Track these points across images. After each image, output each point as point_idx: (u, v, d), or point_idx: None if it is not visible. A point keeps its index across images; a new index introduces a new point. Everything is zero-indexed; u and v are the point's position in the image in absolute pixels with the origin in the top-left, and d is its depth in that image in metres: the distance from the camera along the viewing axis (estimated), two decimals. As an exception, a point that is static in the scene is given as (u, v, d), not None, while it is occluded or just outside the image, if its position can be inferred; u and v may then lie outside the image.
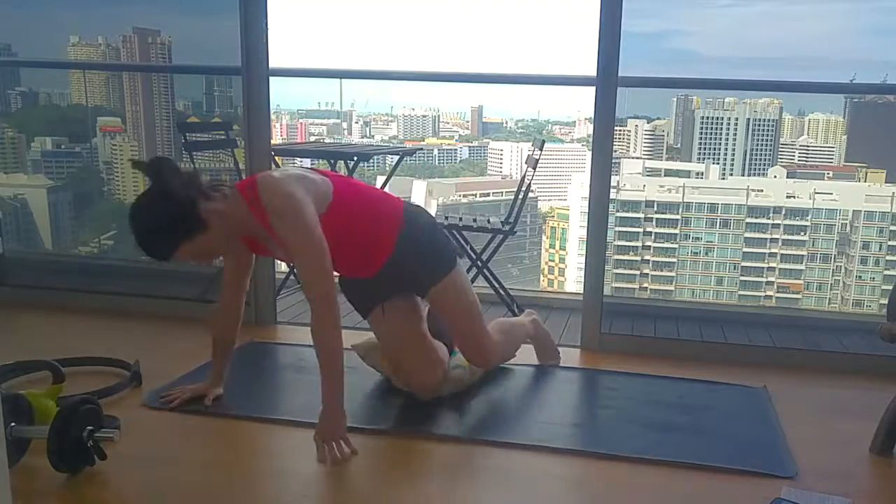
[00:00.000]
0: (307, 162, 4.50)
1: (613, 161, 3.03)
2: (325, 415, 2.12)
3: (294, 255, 2.16)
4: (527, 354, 2.89)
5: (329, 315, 2.10)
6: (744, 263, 6.93)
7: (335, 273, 2.22)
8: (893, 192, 6.66)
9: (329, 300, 2.10)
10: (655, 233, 6.92)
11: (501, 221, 3.64)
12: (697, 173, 7.34)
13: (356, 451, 2.09)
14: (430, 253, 2.42)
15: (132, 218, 2.10)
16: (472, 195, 8.69)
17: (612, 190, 3.04)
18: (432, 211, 6.18)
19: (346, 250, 2.29)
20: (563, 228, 8.81)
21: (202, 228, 2.08)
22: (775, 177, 7.18)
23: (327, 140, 7.12)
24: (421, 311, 2.50)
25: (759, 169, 7.28)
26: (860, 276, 6.62)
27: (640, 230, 6.91)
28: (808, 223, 6.79)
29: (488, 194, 8.77)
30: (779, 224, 6.84)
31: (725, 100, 7.25)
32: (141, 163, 2.13)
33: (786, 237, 6.80)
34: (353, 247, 2.32)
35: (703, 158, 7.20)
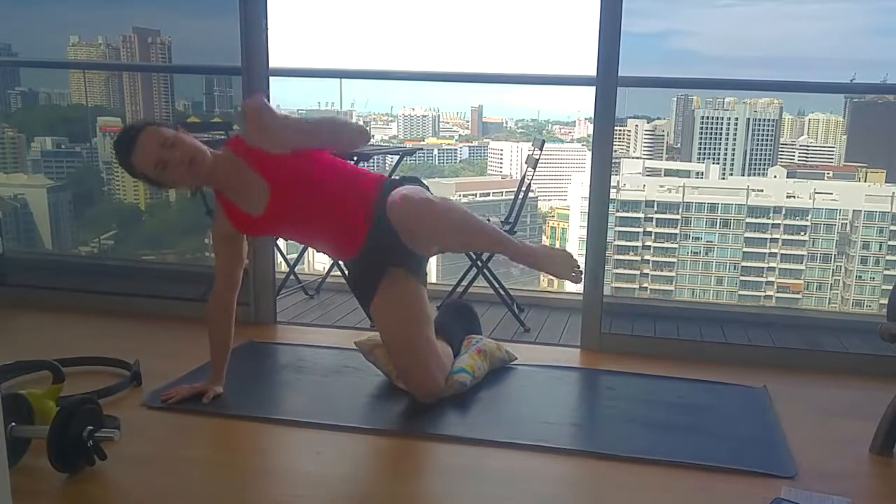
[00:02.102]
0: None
1: (613, 161, 3.02)
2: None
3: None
4: (527, 354, 2.90)
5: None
6: (744, 263, 6.92)
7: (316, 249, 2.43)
8: (893, 192, 6.66)
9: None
10: (655, 233, 6.92)
11: (501, 221, 3.64)
12: (697, 173, 7.34)
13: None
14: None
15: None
16: (472, 195, 8.68)
17: (612, 190, 3.04)
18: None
19: (330, 222, 2.34)
20: (563, 228, 8.81)
21: (173, 128, 2.24)
22: (775, 177, 7.17)
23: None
24: (427, 312, 2.46)
25: (759, 169, 7.27)
26: (860, 276, 6.61)
27: (640, 230, 6.90)
28: (808, 223, 6.78)
29: (488, 194, 8.76)
30: (779, 224, 6.84)
31: (725, 100, 7.25)
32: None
33: (786, 237, 6.80)
34: (340, 204, 2.34)
35: (703, 158, 7.20)
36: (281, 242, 3.77)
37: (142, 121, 2.29)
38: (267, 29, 3.16)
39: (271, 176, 2.30)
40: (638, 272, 6.92)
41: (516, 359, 2.81)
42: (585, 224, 3.06)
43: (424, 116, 9.37)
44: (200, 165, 2.25)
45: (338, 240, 2.42)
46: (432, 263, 4.98)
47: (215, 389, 2.44)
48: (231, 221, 2.38)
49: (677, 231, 6.98)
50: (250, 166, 2.30)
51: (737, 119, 7.14)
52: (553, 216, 9.15)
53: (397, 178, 2.48)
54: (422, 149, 7.54)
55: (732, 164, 7.18)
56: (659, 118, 7.53)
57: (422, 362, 2.41)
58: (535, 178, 3.57)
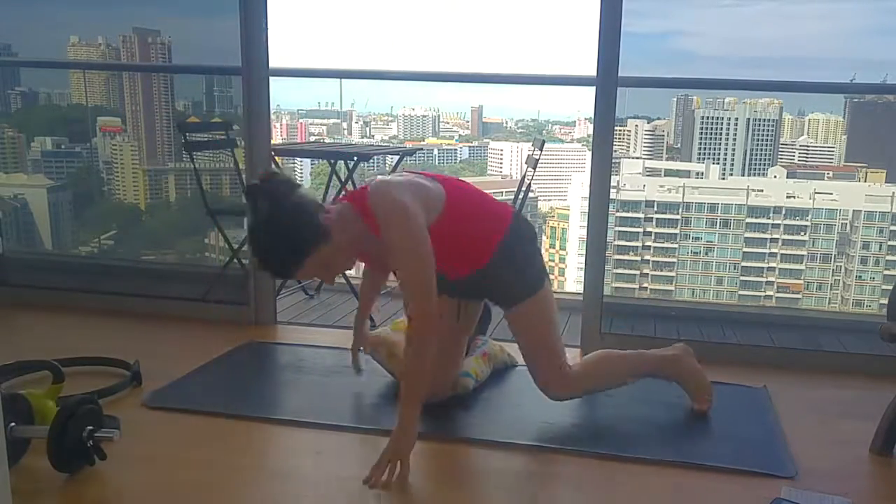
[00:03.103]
0: (306, 163, 4.50)
1: (613, 161, 3.03)
2: (395, 434, 2.00)
3: (398, 267, 2.10)
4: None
5: (425, 336, 2.03)
6: (744, 263, 6.93)
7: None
8: (893, 192, 6.67)
9: (428, 321, 2.03)
10: (655, 233, 6.92)
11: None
12: (697, 173, 7.34)
13: (406, 477, 1.95)
14: (520, 271, 2.30)
15: (254, 234, 2.06)
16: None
17: (612, 190, 3.05)
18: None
19: (444, 253, 2.21)
20: (563, 228, 8.81)
21: (326, 239, 2.02)
22: (775, 177, 7.18)
23: (327, 140, 7.11)
24: (470, 316, 2.44)
25: (759, 169, 7.28)
26: (860, 276, 6.62)
27: (640, 230, 6.91)
28: (808, 223, 6.79)
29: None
30: (779, 224, 6.84)
31: (725, 100, 7.25)
32: (251, 188, 2.06)
33: (786, 237, 6.81)
34: (452, 251, 2.21)
35: (703, 158, 7.20)
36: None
37: (294, 237, 2.01)
38: (267, 29, 3.16)
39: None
40: (638, 272, 6.93)
41: (518, 364, 2.80)
42: (585, 224, 3.06)
43: (424, 116, 9.37)
44: (355, 257, 2.23)
45: (444, 267, 2.28)
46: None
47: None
48: (368, 266, 2.40)
49: (677, 231, 6.99)
50: (377, 236, 2.12)
51: (737, 119, 7.14)
52: (553, 216, 9.16)
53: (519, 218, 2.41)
54: (422, 149, 7.55)
55: (732, 164, 7.19)
56: (659, 118, 7.53)
57: (441, 359, 2.35)
58: (535, 178, 3.57)
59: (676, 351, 2.51)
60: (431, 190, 2.17)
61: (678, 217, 6.93)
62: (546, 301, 2.34)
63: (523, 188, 3.60)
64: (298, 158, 5.66)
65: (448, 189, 2.21)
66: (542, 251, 2.42)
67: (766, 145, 7.18)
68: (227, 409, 2.40)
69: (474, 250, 2.26)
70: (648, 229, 6.88)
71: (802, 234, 6.75)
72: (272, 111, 3.30)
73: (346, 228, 2.07)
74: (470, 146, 9.48)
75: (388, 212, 2.05)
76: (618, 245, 6.77)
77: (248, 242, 2.09)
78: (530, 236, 2.38)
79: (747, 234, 6.86)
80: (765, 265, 6.86)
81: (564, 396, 2.38)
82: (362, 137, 8.69)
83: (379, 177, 2.22)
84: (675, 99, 7.28)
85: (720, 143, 7.08)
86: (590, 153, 3.13)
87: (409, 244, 2.04)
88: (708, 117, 7.20)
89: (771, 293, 6.83)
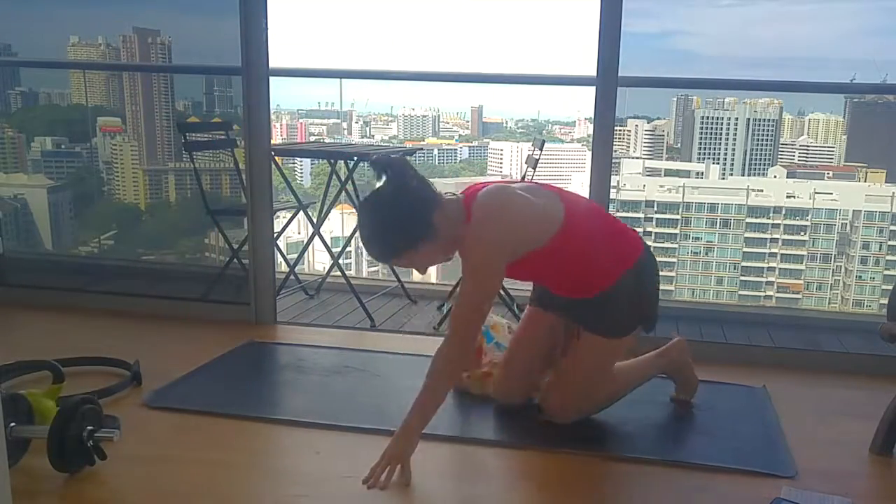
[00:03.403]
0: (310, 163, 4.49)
1: (613, 161, 3.03)
2: (398, 434, 2.01)
3: (462, 289, 2.09)
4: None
5: (458, 348, 2.04)
6: (744, 263, 6.92)
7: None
8: (893, 192, 6.66)
9: (467, 338, 2.05)
10: (655, 233, 6.91)
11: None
12: (697, 173, 7.33)
13: (408, 481, 1.95)
14: (630, 308, 2.26)
15: (370, 209, 2.03)
16: (472, 195, 8.67)
17: (612, 190, 3.05)
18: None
19: (555, 275, 2.22)
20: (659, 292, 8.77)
21: (433, 236, 2.00)
22: (775, 177, 7.17)
23: (327, 140, 7.11)
24: (559, 336, 2.38)
25: (759, 169, 7.27)
26: (860, 276, 6.61)
27: (640, 230, 6.90)
28: (808, 223, 6.78)
29: (488, 194, 8.76)
30: (779, 224, 6.83)
31: (725, 100, 7.24)
32: (380, 160, 2.03)
33: (786, 237, 6.80)
34: (565, 274, 2.21)
35: (703, 158, 7.19)
36: (281, 242, 3.77)
37: (406, 225, 1.98)
38: (267, 29, 3.16)
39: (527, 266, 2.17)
40: (638, 272, 6.91)
41: None
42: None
43: (424, 116, 9.37)
44: (444, 257, 2.14)
45: (558, 288, 2.32)
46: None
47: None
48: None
49: (677, 231, 6.98)
50: None
51: (737, 119, 7.14)
52: (553, 216, 9.12)
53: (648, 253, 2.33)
54: (422, 149, 7.55)
55: (732, 164, 7.18)
56: (659, 118, 7.53)
57: (525, 370, 2.40)
58: (535, 178, 3.57)
59: (675, 353, 2.52)
60: (546, 211, 2.13)
61: (678, 217, 6.93)
62: (621, 348, 2.32)
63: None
64: (298, 158, 5.66)
65: (569, 209, 2.15)
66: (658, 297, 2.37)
67: (766, 145, 7.17)
68: (227, 408, 2.40)
69: (592, 276, 2.21)
70: (648, 229, 6.87)
71: (802, 234, 6.75)
72: (272, 111, 3.30)
73: (451, 226, 2.04)
74: (470, 146, 9.48)
75: (479, 228, 2.02)
76: (618, 245, 6.76)
77: (359, 211, 2.02)
78: (652, 279, 2.31)
79: (747, 234, 6.85)
80: (765, 265, 6.86)
81: (571, 419, 2.34)
82: (362, 137, 8.68)
83: (497, 189, 2.14)
84: (675, 99, 7.27)
85: (720, 143, 7.07)
86: (590, 153, 3.13)
87: (480, 280, 2.04)
88: (708, 117, 7.19)
89: (771, 293, 6.83)
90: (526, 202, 2.11)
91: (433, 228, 1.99)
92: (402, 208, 1.99)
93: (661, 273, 2.37)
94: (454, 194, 2.14)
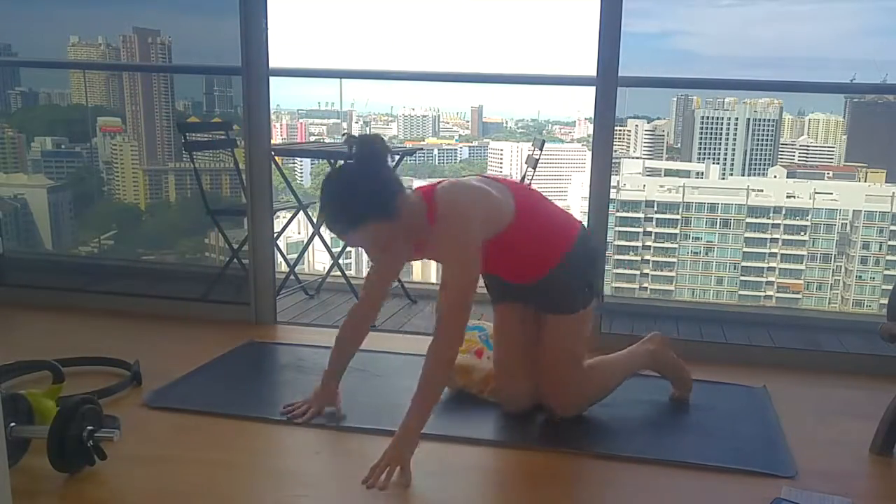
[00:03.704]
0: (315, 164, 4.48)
1: (613, 161, 3.03)
2: (398, 436, 2.02)
3: (443, 278, 2.10)
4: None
5: (449, 341, 2.05)
6: (744, 263, 6.92)
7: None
8: (893, 192, 6.66)
9: (456, 328, 2.05)
10: (655, 233, 6.91)
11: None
12: (697, 173, 7.33)
13: (408, 483, 1.96)
14: (576, 282, 2.31)
15: (336, 178, 2.09)
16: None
17: (612, 190, 3.05)
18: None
19: (508, 262, 2.25)
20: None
21: (394, 216, 2.02)
22: (775, 177, 7.17)
23: (327, 140, 7.11)
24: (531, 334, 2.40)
25: (759, 169, 7.27)
26: (860, 276, 6.61)
27: (640, 230, 6.90)
28: (808, 223, 6.78)
29: (488, 194, 8.75)
30: (779, 224, 6.83)
31: (725, 100, 7.24)
32: (353, 137, 2.09)
33: (786, 237, 6.80)
34: (517, 261, 2.26)
35: (703, 158, 7.19)
36: (281, 242, 3.77)
37: (366, 196, 2.01)
38: (267, 29, 3.16)
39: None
40: (638, 272, 6.92)
41: None
42: (585, 224, 3.05)
43: (424, 116, 9.36)
44: (410, 245, 2.17)
45: (508, 275, 2.34)
46: (433, 264, 4.97)
47: (335, 408, 2.37)
48: (414, 251, 2.28)
49: (677, 231, 6.98)
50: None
51: (737, 119, 7.14)
52: (553, 216, 9.12)
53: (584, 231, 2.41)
54: (422, 149, 7.54)
55: (732, 164, 7.18)
56: (659, 118, 7.53)
57: (522, 372, 2.39)
58: (535, 178, 3.58)
59: (653, 344, 2.55)
60: (502, 201, 2.17)
61: (678, 217, 6.92)
62: (585, 321, 2.36)
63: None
64: (298, 158, 5.65)
65: (519, 200, 2.21)
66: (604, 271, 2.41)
67: (766, 145, 7.17)
68: (227, 408, 2.40)
69: (538, 262, 2.27)
70: (648, 229, 6.87)
71: (802, 234, 6.75)
72: (272, 111, 3.30)
73: (411, 214, 2.06)
74: (470, 146, 9.47)
75: (449, 224, 2.06)
76: (618, 245, 6.76)
77: (325, 180, 2.07)
78: (595, 250, 2.41)
79: (747, 234, 6.85)
80: (765, 265, 6.86)
81: (571, 412, 2.38)
82: (362, 137, 8.67)
83: (452, 180, 2.23)
84: (675, 99, 7.27)
85: (720, 143, 7.07)
86: (590, 153, 3.13)
87: (460, 264, 2.06)
88: (708, 117, 7.19)
89: (771, 293, 6.82)
90: (484, 191, 2.17)
91: (395, 208, 2.01)
92: (368, 180, 2.02)
93: (606, 244, 2.56)
94: (410, 188, 2.18)
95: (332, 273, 3.96)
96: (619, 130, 3.42)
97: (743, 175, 7.23)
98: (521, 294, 2.37)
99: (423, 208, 2.09)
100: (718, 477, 2.05)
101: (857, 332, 3.35)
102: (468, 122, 9.67)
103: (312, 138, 7.66)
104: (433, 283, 4.41)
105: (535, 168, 3.57)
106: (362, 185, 2.01)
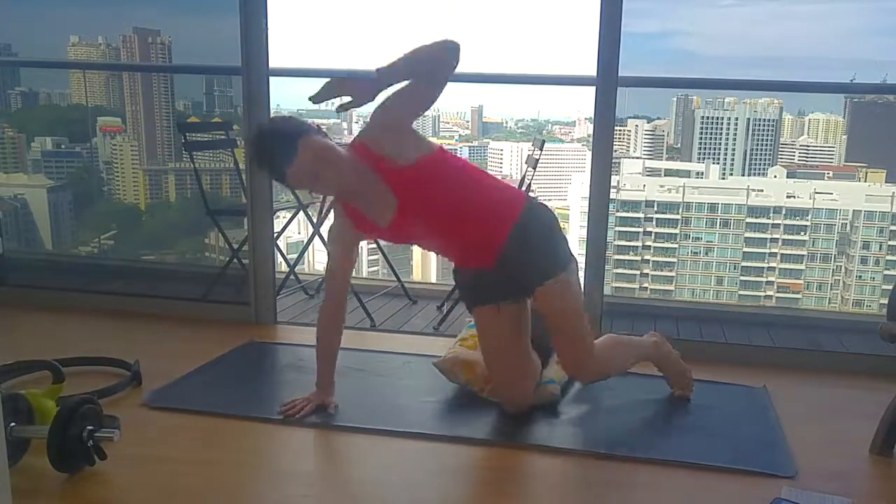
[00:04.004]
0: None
1: (613, 161, 3.03)
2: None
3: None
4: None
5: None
6: (744, 263, 6.92)
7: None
8: (893, 192, 6.66)
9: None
10: (655, 233, 6.91)
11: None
12: (697, 173, 7.33)
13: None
14: (543, 247, 2.30)
15: (259, 133, 2.23)
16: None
17: (612, 190, 3.05)
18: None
19: (455, 234, 2.26)
20: (563, 228, 8.78)
21: (316, 132, 2.16)
22: (775, 177, 7.17)
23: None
24: (527, 323, 2.41)
25: (759, 169, 7.27)
26: (860, 276, 6.61)
27: (640, 230, 6.90)
28: (808, 223, 6.78)
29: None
30: (779, 224, 6.83)
31: (725, 100, 7.24)
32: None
33: (786, 237, 6.80)
34: (463, 231, 2.25)
35: (704, 158, 7.20)
36: (281, 242, 3.77)
37: (288, 123, 2.21)
38: (267, 29, 3.16)
39: (397, 188, 2.19)
40: (638, 272, 6.92)
41: None
42: (585, 224, 3.06)
43: (424, 116, 9.38)
44: (347, 174, 2.17)
45: (465, 253, 2.35)
46: (433, 264, 4.97)
47: (332, 400, 2.40)
48: (354, 224, 2.30)
49: (677, 231, 6.98)
50: (378, 177, 2.19)
51: (737, 119, 7.14)
52: (553, 216, 9.13)
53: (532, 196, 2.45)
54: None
55: (732, 164, 7.18)
56: (659, 118, 7.53)
57: (515, 371, 2.39)
58: (535, 178, 3.57)
59: (655, 337, 2.60)
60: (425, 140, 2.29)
61: (678, 217, 6.93)
62: (572, 282, 2.35)
63: (523, 188, 3.59)
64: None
65: (447, 153, 2.31)
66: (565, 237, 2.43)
67: (766, 145, 7.17)
68: (227, 408, 2.40)
69: (491, 226, 2.27)
70: (648, 229, 6.87)
71: (802, 233, 6.75)
72: (272, 111, 3.29)
73: (338, 155, 2.16)
74: (470, 146, 9.48)
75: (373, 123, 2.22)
76: (618, 245, 6.76)
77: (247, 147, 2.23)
78: (548, 216, 2.39)
79: (747, 234, 6.85)
80: (765, 265, 6.86)
81: (590, 377, 2.43)
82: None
83: None
84: (675, 99, 7.27)
85: (720, 143, 7.07)
86: (590, 153, 3.13)
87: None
88: (708, 117, 7.19)
89: (771, 293, 6.82)
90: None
91: (311, 127, 2.18)
92: (281, 123, 2.24)
93: (557, 213, 2.47)
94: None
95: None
96: (619, 130, 3.42)
97: (743, 175, 7.23)
98: (491, 287, 2.33)
99: (351, 153, 2.18)
100: (718, 477, 2.05)
101: (857, 332, 3.35)
102: (468, 121, 9.67)
103: (312, 138, 7.65)
104: (433, 283, 4.41)
105: (535, 168, 3.57)
106: (279, 128, 2.19)
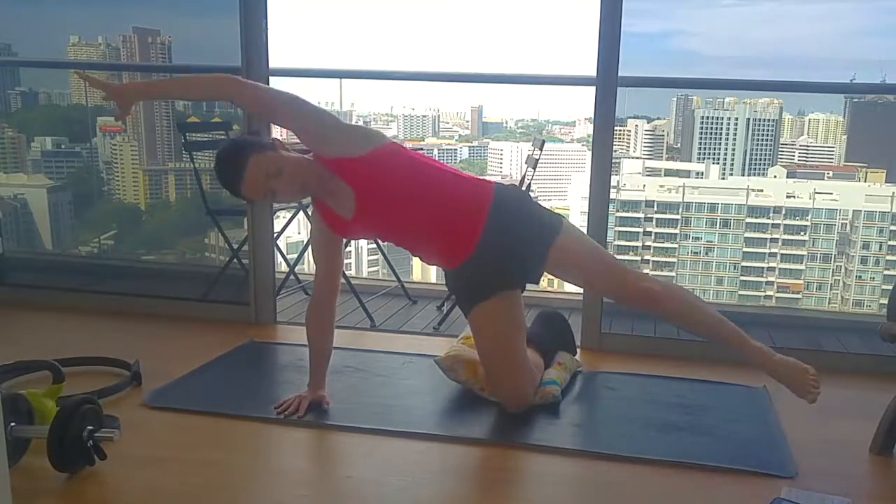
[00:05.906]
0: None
1: (613, 161, 3.02)
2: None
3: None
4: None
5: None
6: (744, 263, 6.93)
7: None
8: (893, 192, 6.67)
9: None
10: (655, 233, 6.92)
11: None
12: (697, 173, 7.34)
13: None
14: (527, 218, 2.31)
15: (220, 152, 2.29)
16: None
17: (612, 190, 3.04)
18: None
19: (425, 227, 2.28)
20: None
21: (271, 147, 2.21)
22: (775, 177, 7.18)
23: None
24: (522, 324, 2.41)
25: (759, 169, 7.28)
26: (860, 276, 6.62)
27: (640, 230, 6.91)
28: (808, 223, 6.79)
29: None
30: (779, 224, 6.84)
31: (725, 100, 7.25)
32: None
33: (786, 237, 6.81)
34: (445, 210, 2.27)
35: (703, 158, 7.20)
36: (281, 242, 3.77)
37: (240, 144, 2.28)
38: (267, 29, 3.16)
39: (351, 180, 2.24)
40: (638, 272, 6.92)
41: (582, 369, 2.80)
42: (585, 224, 3.05)
43: (424, 116, 9.37)
44: (305, 182, 2.24)
45: (440, 249, 2.36)
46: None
47: (324, 394, 2.43)
48: (327, 223, 2.35)
49: (677, 231, 6.99)
50: (332, 171, 2.24)
51: (737, 119, 7.15)
52: (553, 216, 9.13)
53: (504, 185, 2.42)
54: (422, 149, 7.56)
55: (732, 164, 7.19)
56: (659, 118, 7.53)
57: (516, 372, 2.39)
58: (535, 178, 3.57)
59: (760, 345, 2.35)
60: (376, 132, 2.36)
61: (678, 217, 6.93)
62: (575, 232, 2.37)
63: (523, 188, 3.59)
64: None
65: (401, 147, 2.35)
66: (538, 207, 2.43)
67: (766, 145, 7.18)
68: (227, 408, 2.40)
69: (463, 220, 2.28)
70: (648, 229, 6.87)
71: (802, 233, 6.76)
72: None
73: (297, 160, 2.23)
74: (470, 146, 9.49)
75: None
76: (618, 245, 6.77)
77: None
78: (519, 193, 2.42)
79: (747, 234, 6.86)
80: (765, 265, 6.86)
81: (637, 292, 2.28)
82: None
83: None
84: (675, 99, 7.28)
85: (720, 143, 7.08)
86: (590, 153, 3.13)
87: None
88: (708, 117, 7.20)
89: (771, 293, 6.83)
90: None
91: (268, 143, 2.24)
92: (238, 140, 2.34)
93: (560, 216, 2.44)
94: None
95: (332, 273, 3.95)
96: (619, 130, 3.42)
97: (743, 175, 7.24)
98: (485, 280, 2.32)
99: (311, 158, 2.26)
100: (718, 477, 2.05)
101: (857, 332, 3.35)
102: (468, 121, 9.68)
103: (312, 138, 7.66)
104: (433, 283, 4.41)
105: (535, 168, 3.57)
106: (236, 143, 2.29)
